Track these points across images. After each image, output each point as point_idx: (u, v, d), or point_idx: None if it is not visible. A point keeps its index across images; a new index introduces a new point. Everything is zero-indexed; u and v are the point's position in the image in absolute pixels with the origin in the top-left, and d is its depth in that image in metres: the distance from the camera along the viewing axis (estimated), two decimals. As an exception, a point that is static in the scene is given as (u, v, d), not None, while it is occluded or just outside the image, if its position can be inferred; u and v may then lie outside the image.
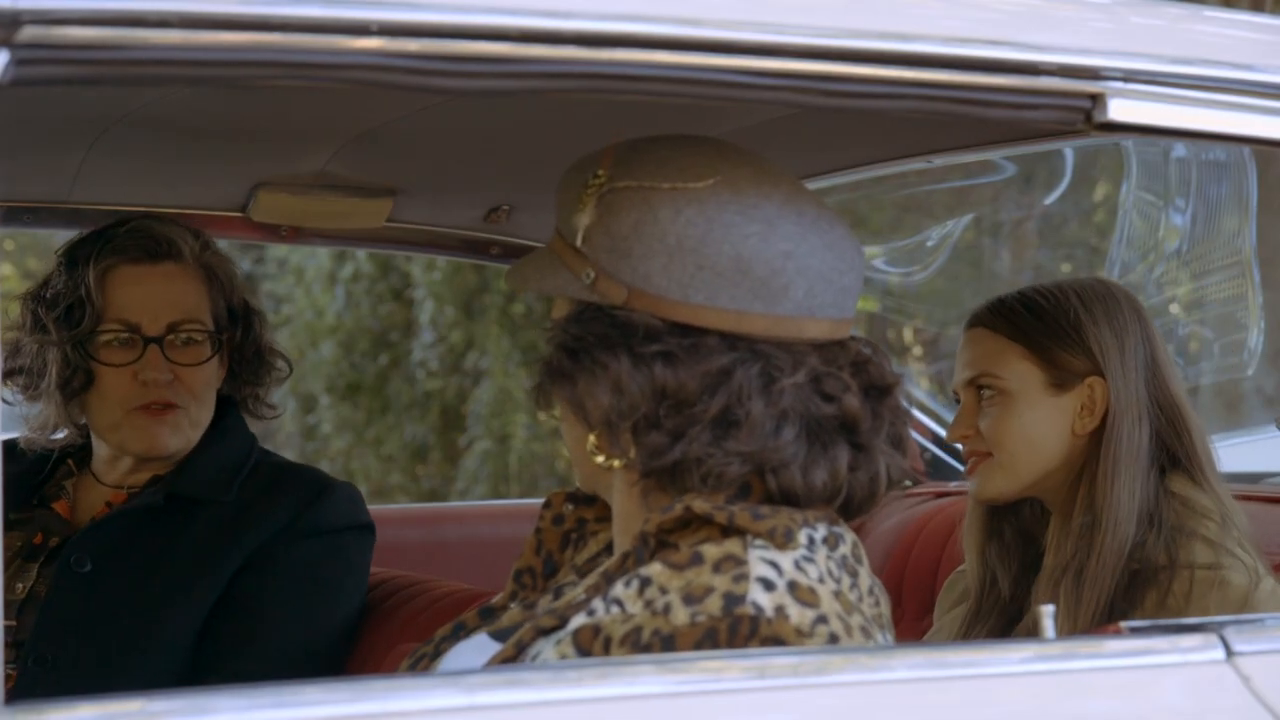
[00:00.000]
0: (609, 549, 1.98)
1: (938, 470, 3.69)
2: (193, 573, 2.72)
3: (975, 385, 2.63)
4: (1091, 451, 2.57)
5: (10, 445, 2.92)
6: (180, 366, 2.77)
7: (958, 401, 2.67)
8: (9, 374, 2.86)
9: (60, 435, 2.89)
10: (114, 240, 2.80)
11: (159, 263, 2.78)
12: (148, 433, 2.77)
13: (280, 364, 2.93)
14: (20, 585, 2.74)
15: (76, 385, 2.80)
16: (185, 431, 2.79)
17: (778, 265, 1.79)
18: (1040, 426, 2.59)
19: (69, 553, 2.74)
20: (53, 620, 2.69)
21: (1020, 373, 2.60)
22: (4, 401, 2.95)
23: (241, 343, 2.87)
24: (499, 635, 1.91)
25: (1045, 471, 2.60)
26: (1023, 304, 2.63)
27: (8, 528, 2.76)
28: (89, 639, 2.68)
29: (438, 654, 1.97)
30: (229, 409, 2.88)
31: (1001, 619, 2.63)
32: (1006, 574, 2.66)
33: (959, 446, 2.80)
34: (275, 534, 2.74)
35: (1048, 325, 2.60)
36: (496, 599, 2.03)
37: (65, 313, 2.80)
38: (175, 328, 2.77)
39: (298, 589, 2.73)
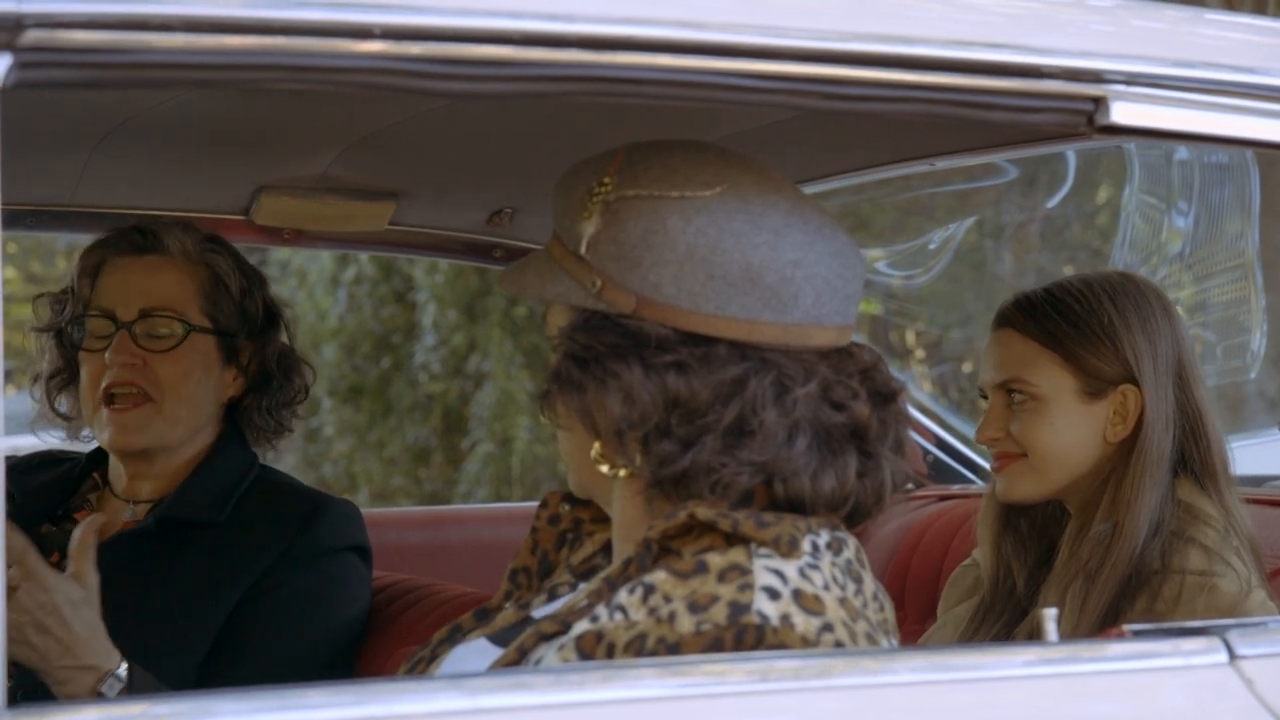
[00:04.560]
0: (605, 550, 1.97)
1: (940, 473, 3.69)
2: (188, 608, 2.64)
3: (1005, 388, 2.61)
4: (1120, 458, 2.56)
5: (39, 455, 2.89)
6: (150, 353, 2.72)
7: (984, 398, 2.66)
8: (33, 379, 2.85)
9: (89, 443, 2.85)
10: (109, 236, 2.81)
11: (143, 255, 2.77)
12: (111, 423, 2.72)
13: (298, 383, 2.86)
14: None
15: (65, 377, 2.80)
16: (156, 426, 2.72)
17: (787, 274, 1.79)
18: (1072, 433, 2.57)
19: None
20: None
21: (1052, 379, 2.57)
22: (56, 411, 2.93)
23: (260, 353, 2.83)
24: (497, 639, 1.91)
25: (1074, 477, 2.58)
26: (1053, 306, 2.59)
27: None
28: None
29: (434, 658, 1.96)
30: (232, 428, 2.83)
31: (1014, 613, 2.62)
32: (1022, 568, 2.64)
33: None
34: (269, 567, 2.67)
35: (1080, 331, 2.57)
36: (492, 600, 2.03)
37: (62, 308, 2.82)
38: (148, 314, 2.73)
39: (296, 623, 2.66)
